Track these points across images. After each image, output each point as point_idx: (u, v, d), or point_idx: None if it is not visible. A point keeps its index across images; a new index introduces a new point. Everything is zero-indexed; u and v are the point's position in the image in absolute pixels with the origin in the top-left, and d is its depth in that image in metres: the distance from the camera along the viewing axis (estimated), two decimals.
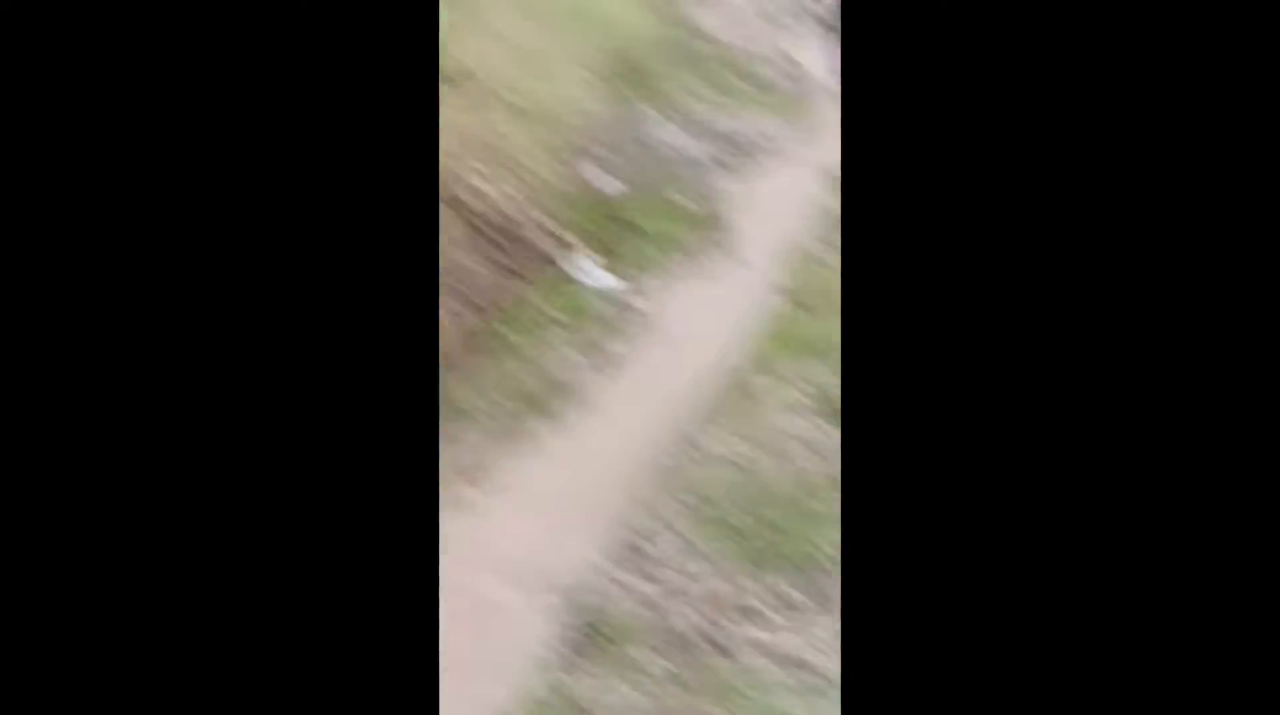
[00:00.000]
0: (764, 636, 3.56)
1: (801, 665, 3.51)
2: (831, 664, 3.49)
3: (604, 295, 6.18)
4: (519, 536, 3.85)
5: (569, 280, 6.28)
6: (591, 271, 6.26)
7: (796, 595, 3.60)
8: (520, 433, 4.61)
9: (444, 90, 4.76)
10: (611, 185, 7.58)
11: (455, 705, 3.18)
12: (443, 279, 5.29)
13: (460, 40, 6.33)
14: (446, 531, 3.89)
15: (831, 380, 5.09)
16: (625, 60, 9.35)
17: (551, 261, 6.42)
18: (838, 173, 8.36)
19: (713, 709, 3.55)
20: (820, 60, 12.41)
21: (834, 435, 4.60)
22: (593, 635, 3.60)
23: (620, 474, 4.28)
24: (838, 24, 11.10)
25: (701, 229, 7.25)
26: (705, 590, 3.64)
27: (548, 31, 7.84)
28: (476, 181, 6.03)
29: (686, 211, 7.46)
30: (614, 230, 7.03)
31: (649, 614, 3.64)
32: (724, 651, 3.55)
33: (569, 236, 6.55)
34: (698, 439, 4.56)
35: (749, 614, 3.61)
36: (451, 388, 4.93)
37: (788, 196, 8.00)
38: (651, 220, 7.23)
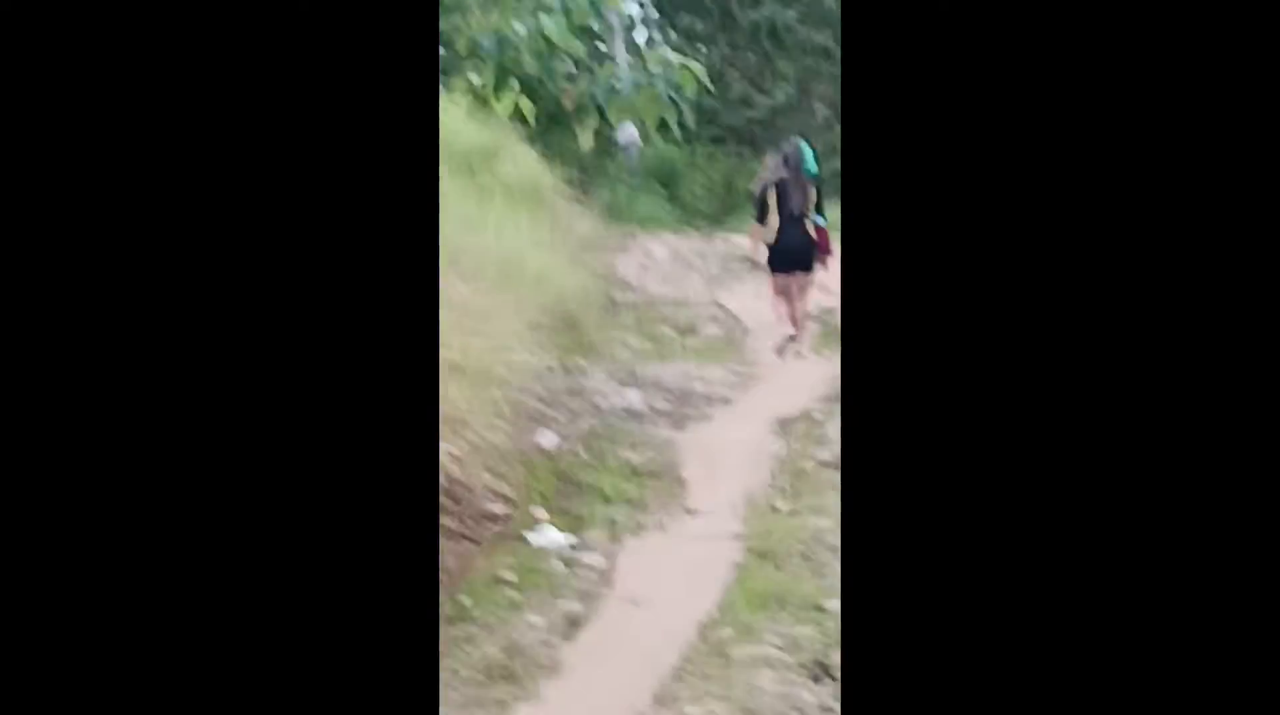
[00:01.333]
0: None
1: None
2: None
3: (555, 554, 6.04)
4: None
5: (518, 540, 6.15)
6: (546, 531, 6.15)
7: None
8: (487, 701, 4.43)
9: None
10: (550, 440, 7.55)
11: None
12: None
13: None
14: None
15: (802, 631, 4.96)
16: (558, 315, 9.46)
17: (496, 520, 6.33)
18: (781, 416, 8.47)
19: None
20: (748, 303, 12.54)
21: (813, 691, 4.45)
22: None
23: None
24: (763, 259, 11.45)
25: (650, 482, 7.19)
26: None
27: (481, 291, 7.89)
28: None
29: (633, 465, 7.38)
30: (560, 487, 6.94)
31: None
32: None
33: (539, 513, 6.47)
34: (670, 701, 4.41)
35: None
36: None
37: (733, 444, 7.97)
38: (598, 475, 7.14)
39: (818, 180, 11.11)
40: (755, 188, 13.06)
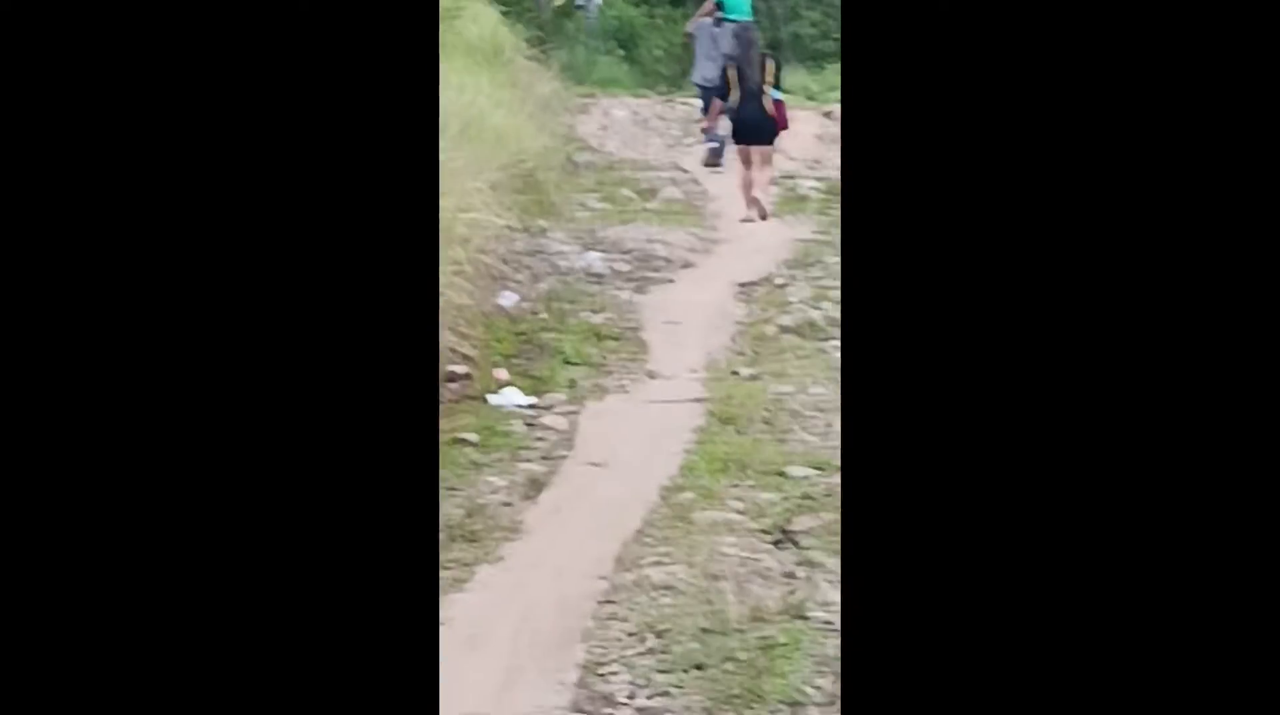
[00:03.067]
0: None
1: None
2: None
3: (515, 414, 6.03)
4: (464, 679, 3.62)
5: (480, 400, 6.14)
6: (507, 392, 6.13)
7: None
8: (448, 562, 4.41)
9: None
10: (511, 301, 7.52)
11: None
12: None
13: None
14: None
15: (764, 496, 5.01)
16: (519, 175, 9.38)
17: (457, 380, 6.30)
18: (743, 280, 8.48)
19: None
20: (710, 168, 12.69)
21: (775, 556, 4.48)
22: None
23: (559, 605, 4.09)
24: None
25: (611, 344, 7.17)
26: None
27: (442, 150, 7.77)
28: None
29: (594, 327, 7.35)
30: (522, 348, 6.92)
31: None
32: None
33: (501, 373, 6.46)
34: (632, 564, 4.41)
35: None
36: None
37: (695, 307, 7.95)
38: (559, 336, 7.11)
39: (775, 56, 11.70)
40: (690, 29, 14.20)
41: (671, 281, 8.75)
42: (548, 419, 6.02)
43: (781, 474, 5.16)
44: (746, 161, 11.03)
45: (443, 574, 4.31)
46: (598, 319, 7.56)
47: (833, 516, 4.75)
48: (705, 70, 13.06)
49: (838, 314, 7.57)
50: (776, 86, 11.27)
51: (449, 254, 6.65)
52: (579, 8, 19.09)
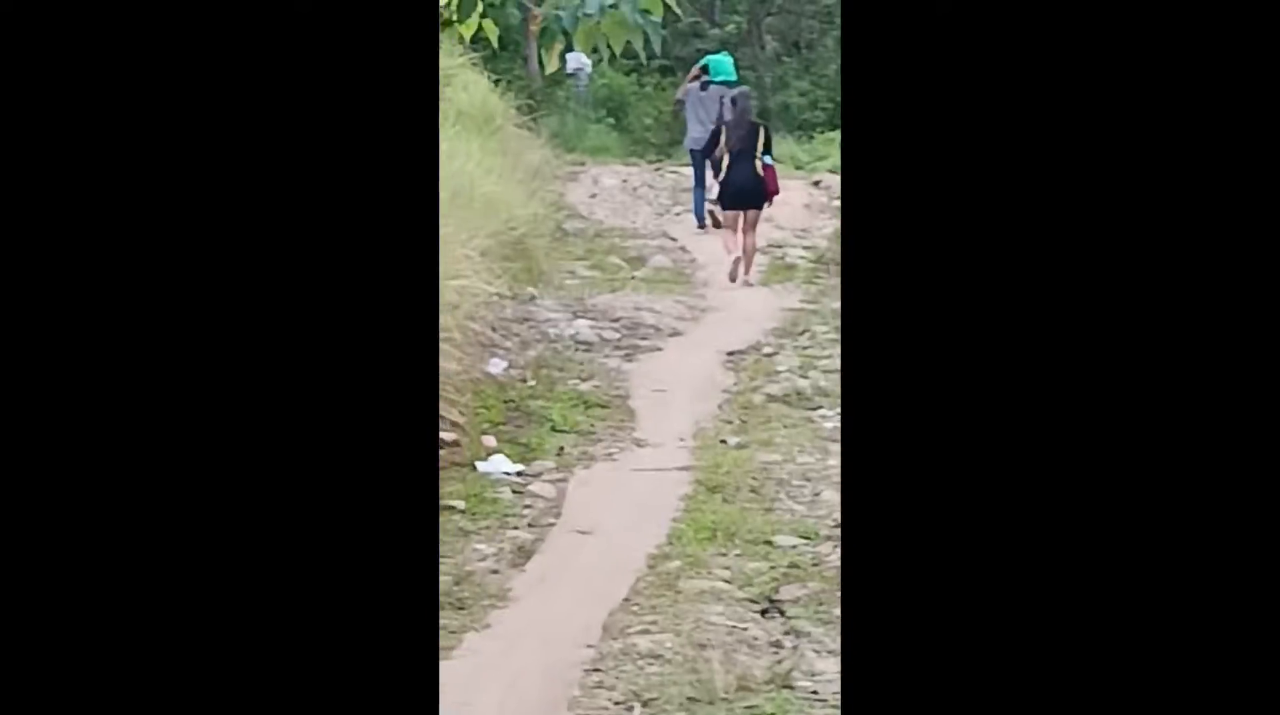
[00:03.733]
0: None
1: None
2: None
3: (503, 481, 6.02)
4: None
5: (468, 467, 6.12)
6: (495, 460, 6.13)
7: None
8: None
9: None
10: (500, 367, 7.54)
11: None
12: None
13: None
14: None
15: (751, 565, 4.99)
16: (509, 243, 9.43)
17: (446, 447, 6.30)
18: (731, 348, 8.53)
19: None
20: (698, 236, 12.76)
21: (762, 626, 4.45)
22: None
23: (546, 673, 4.07)
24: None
25: (599, 412, 7.16)
26: None
27: None
28: None
29: (582, 394, 7.35)
30: (510, 415, 6.92)
31: None
32: None
33: (489, 440, 6.45)
34: (619, 632, 4.40)
35: None
36: None
37: (683, 376, 7.96)
38: (548, 404, 7.10)
39: (765, 124, 12.27)
40: (680, 95, 14.49)
41: (660, 349, 8.78)
42: (536, 486, 5.99)
43: (769, 543, 5.15)
44: (734, 226, 11.21)
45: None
46: (586, 386, 7.57)
47: (819, 586, 4.73)
48: (696, 133, 13.18)
49: (825, 383, 7.60)
50: (767, 152, 11.51)
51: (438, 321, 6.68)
52: (569, 76, 19.20)
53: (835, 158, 17.02)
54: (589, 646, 4.24)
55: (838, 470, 6.09)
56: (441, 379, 6.52)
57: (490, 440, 6.41)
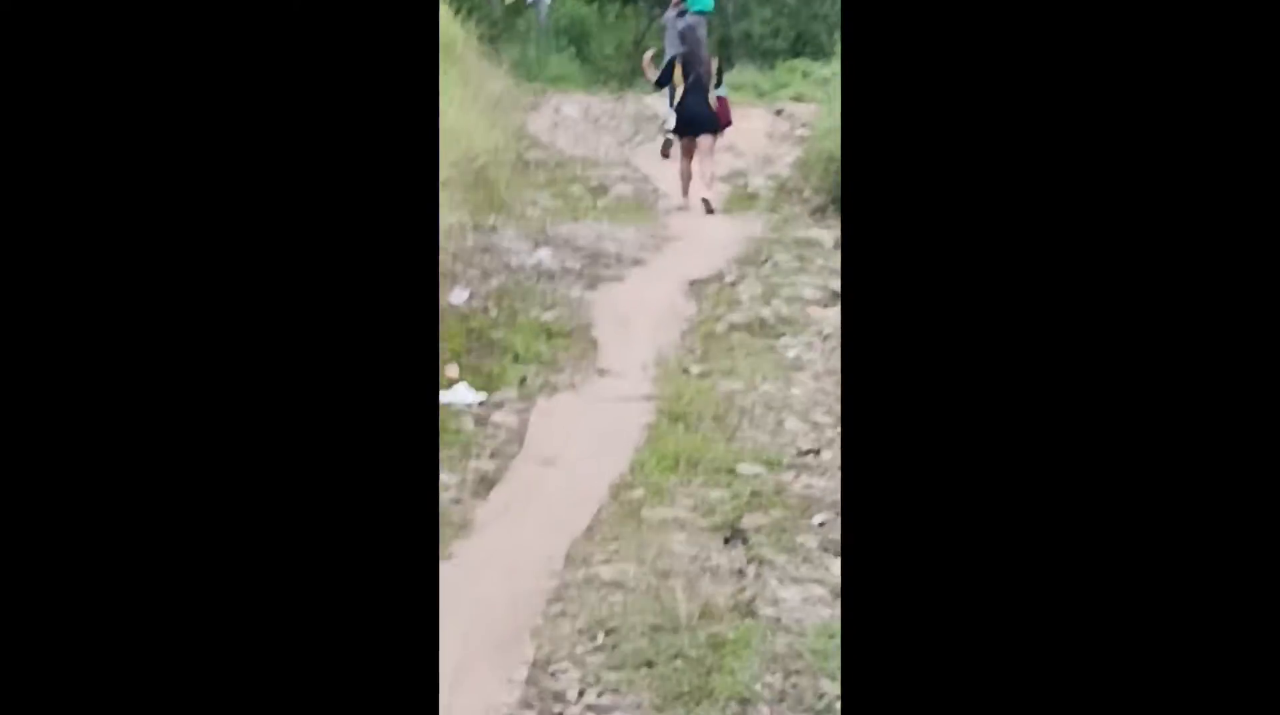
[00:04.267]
0: None
1: None
2: None
3: (466, 412, 5.96)
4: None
5: None
6: (458, 389, 6.07)
7: None
8: None
9: None
10: (462, 297, 7.45)
11: None
12: None
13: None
14: None
15: (714, 494, 4.96)
16: (470, 173, 9.30)
17: None
18: (693, 277, 8.46)
19: None
20: (659, 164, 12.65)
21: (724, 554, 4.42)
22: None
23: (510, 603, 4.04)
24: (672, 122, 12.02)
25: (562, 341, 7.09)
26: None
27: None
28: None
29: (545, 324, 7.26)
30: (472, 345, 6.84)
31: None
32: None
33: (451, 369, 6.34)
34: (582, 561, 4.38)
35: None
36: None
37: (645, 304, 7.88)
38: (510, 334, 7.01)
39: (720, 54, 12.53)
40: (664, 20, 14.09)
41: (622, 279, 8.67)
42: (498, 416, 5.92)
43: (731, 471, 5.09)
44: (689, 153, 11.26)
45: None
46: (548, 316, 7.48)
47: (782, 514, 4.70)
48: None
49: (788, 311, 7.56)
50: (719, 84, 11.59)
51: None
52: (530, 5, 19.00)
53: (797, 86, 16.94)
54: (552, 576, 4.22)
55: (800, 398, 6.09)
56: None
57: (453, 370, 6.33)
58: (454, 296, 7.37)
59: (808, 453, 5.38)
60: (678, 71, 11.59)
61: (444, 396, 5.99)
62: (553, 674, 3.59)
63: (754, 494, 4.86)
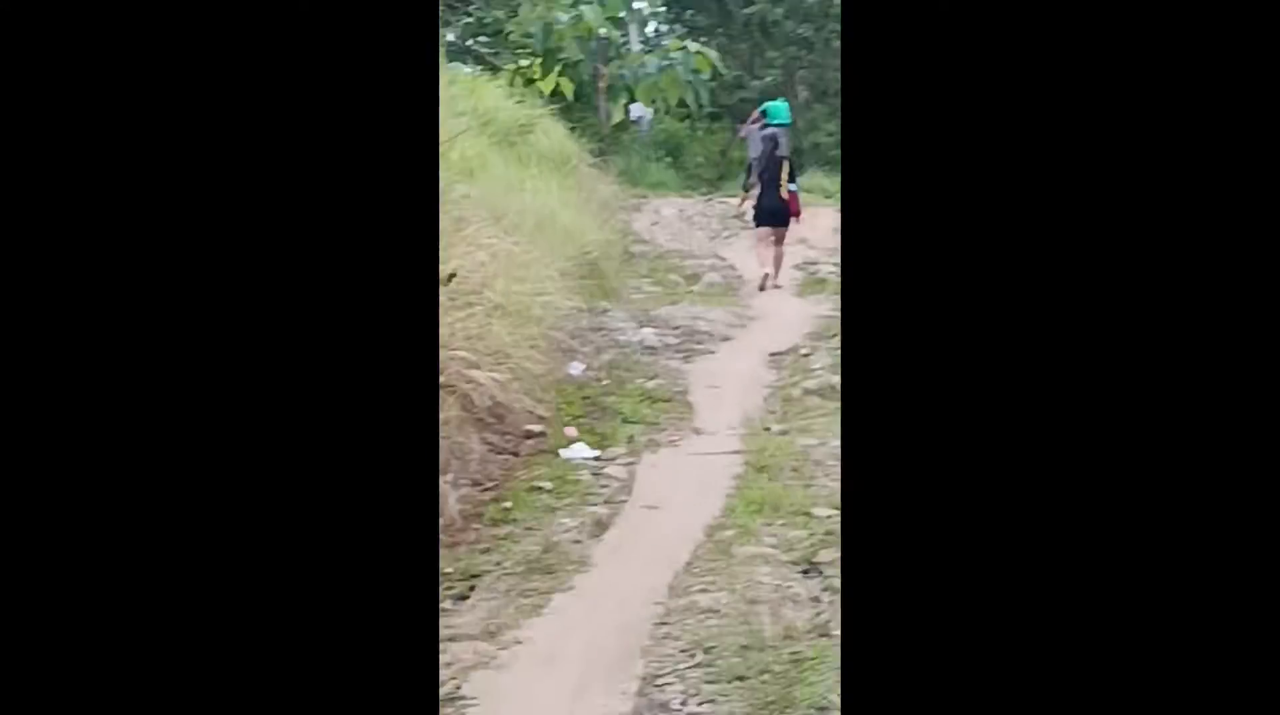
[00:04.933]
0: None
1: None
2: None
3: (583, 466, 5.98)
4: (542, 690, 3.58)
5: (553, 454, 6.10)
6: (576, 447, 6.10)
7: None
8: (528, 591, 4.38)
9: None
10: (578, 370, 7.49)
11: None
12: (443, 457, 5.08)
13: (447, 249, 6.28)
14: (472, 690, 3.64)
15: (794, 533, 4.88)
16: (585, 264, 9.38)
17: (533, 437, 6.26)
18: (773, 350, 8.45)
19: None
20: (743, 256, 12.70)
21: (803, 584, 4.36)
22: None
23: (622, 627, 4.04)
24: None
25: (663, 405, 7.10)
26: None
27: (520, 244, 7.81)
28: (469, 370, 5.89)
29: (648, 391, 7.27)
30: (588, 409, 6.88)
31: None
32: None
33: (570, 431, 6.38)
34: (683, 591, 4.35)
35: None
36: (462, 556, 4.71)
37: (733, 374, 7.89)
38: (619, 399, 7.03)
39: (791, 158, 12.58)
40: (742, 133, 15.23)
41: (713, 352, 8.66)
42: (610, 469, 5.94)
43: (808, 514, 5.05)
44: (765, 241, 11.50)
45: (522, 601, 4.28)
46: (651, 384, 7.46)
47: None
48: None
49: None
50: (792, 181, 11.85)
51: (525, 332, 6.66)
52: (633, 123, 19.17)
53: None
54: (657, 604, 4.19)
55: None
56: (529, 380, 6.50)
57: (571, 431, 6.36)
58: (572, 369, 7.42)
59: None
60: (755, 172, 11.93)
61: (564, 453, 6.03)
62: (659, 687, 3.55)
63: (827, 533, 4.80)
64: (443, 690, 3.56)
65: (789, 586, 4.33)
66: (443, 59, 11.26)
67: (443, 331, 5.55)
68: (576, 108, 16.61)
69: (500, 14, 18.45)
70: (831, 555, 4.58)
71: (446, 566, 4.68)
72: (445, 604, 4.37)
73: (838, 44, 21.66)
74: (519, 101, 13.23)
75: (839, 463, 6.06)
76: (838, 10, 21.74)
